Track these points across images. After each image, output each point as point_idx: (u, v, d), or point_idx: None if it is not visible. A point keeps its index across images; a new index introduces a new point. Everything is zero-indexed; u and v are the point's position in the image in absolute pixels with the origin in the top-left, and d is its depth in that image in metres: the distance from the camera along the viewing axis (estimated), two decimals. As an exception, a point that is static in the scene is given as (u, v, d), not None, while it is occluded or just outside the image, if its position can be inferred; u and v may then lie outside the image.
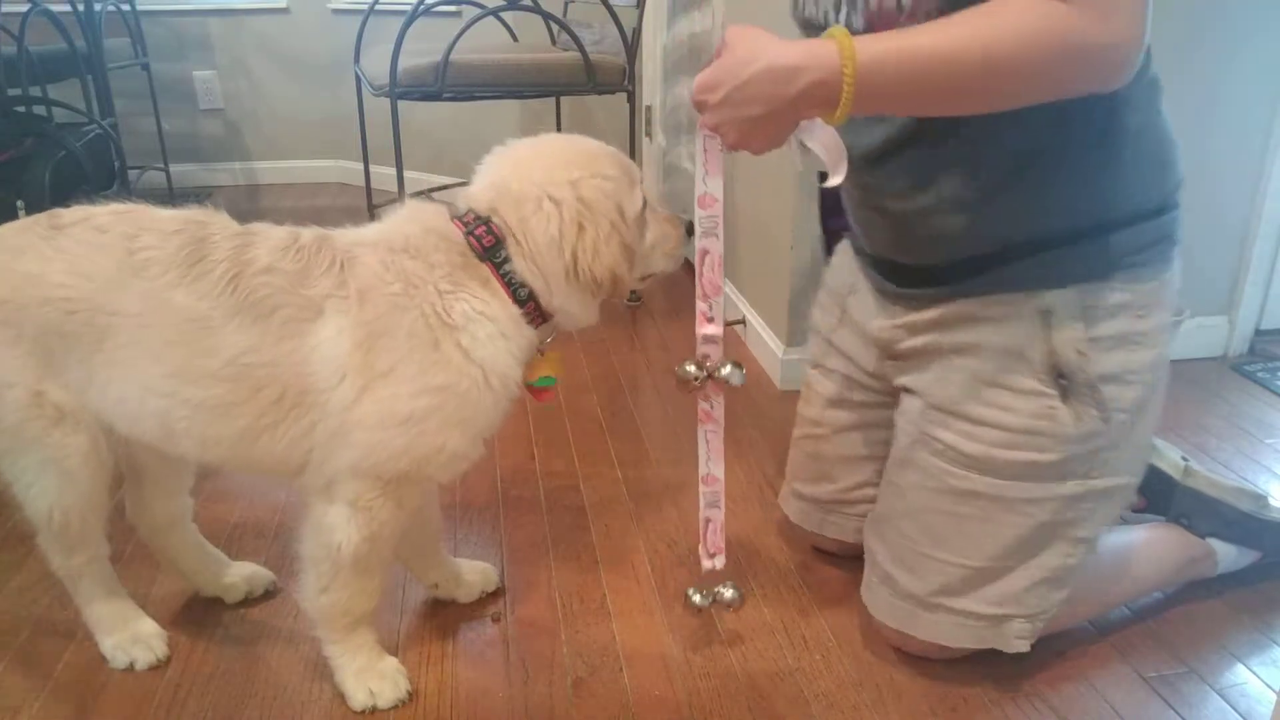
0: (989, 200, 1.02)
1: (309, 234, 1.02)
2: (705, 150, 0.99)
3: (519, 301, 1.03)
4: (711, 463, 1.13)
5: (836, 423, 1.30)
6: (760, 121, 0.92)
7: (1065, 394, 1.04)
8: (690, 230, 1.12)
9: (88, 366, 0.99)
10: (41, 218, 1.02)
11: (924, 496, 1.12)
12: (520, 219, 1.02)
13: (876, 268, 1.20)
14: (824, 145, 0.98)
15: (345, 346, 0.97)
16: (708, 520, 1.16)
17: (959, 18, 0.85)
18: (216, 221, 1.02)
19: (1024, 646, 1.12)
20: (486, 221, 1.03)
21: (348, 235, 1.04)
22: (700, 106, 0.96)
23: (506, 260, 1.02)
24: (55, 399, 1.01)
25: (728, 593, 1.19)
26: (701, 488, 1.14)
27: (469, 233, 1.02)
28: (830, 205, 1.26)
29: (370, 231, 1.05)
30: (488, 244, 1.02)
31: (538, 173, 1.03)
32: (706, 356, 1.07)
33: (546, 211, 1.02)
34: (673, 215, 1.15)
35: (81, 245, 0.99)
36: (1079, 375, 1.03)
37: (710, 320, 1.05)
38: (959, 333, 1.09)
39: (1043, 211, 1.02)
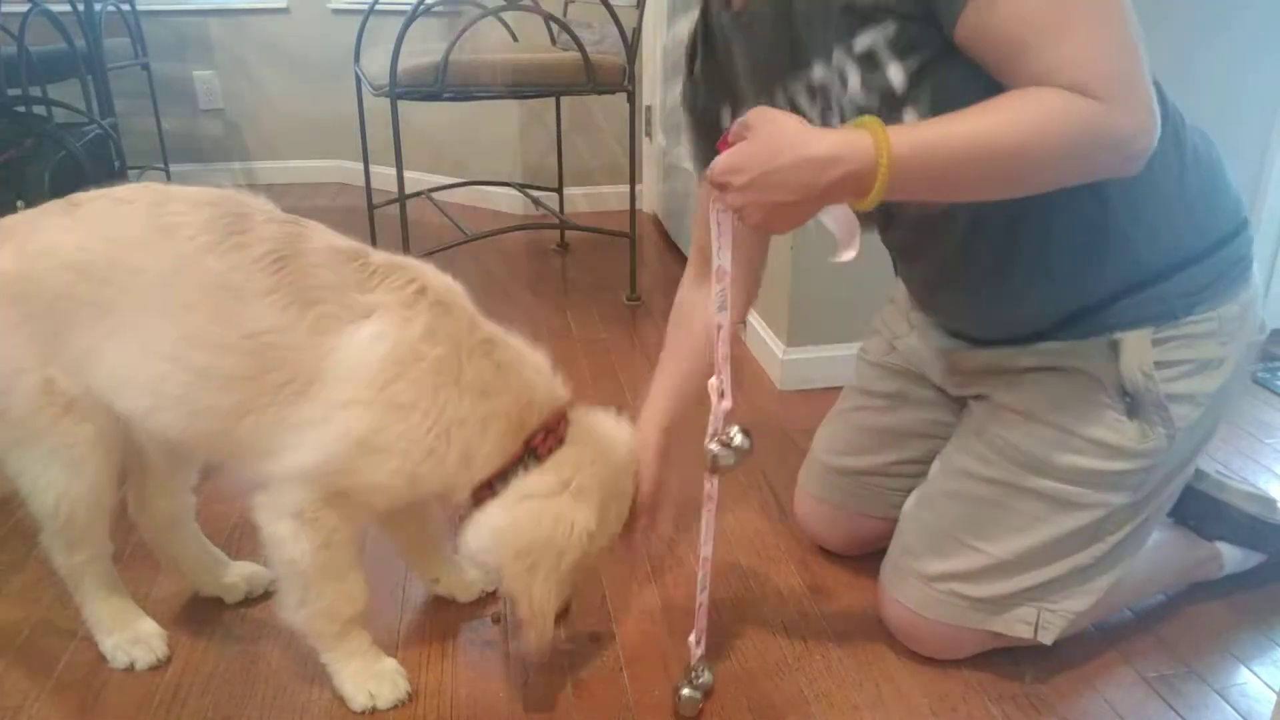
0: (1045, 279, 1.05)
1: (381, 256, 1.02)
2: (719, 225, 0.98)
3: (487, 486, 1.03)
4: (707, 544, 1.08)
5: (899, 396, 1.31)
6: (786, 207, 0.91)
7: (1131, 410, 1.05)
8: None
9: (92, 334, 0.99)
10: (59, 201, 1.03)
11: (974, 484, 1.13)
12: (543, 484, 1.03)
13: (944, 332, 1.24)
14: (837, 222, 0.96)
15: (379, 354, 0.96)
16: (701, 604, 1.11)
17: (988, 108, 0.85)
18: (255, 202, 1.03)
19: (1028, 632, 1.12)
20: (559, 434, 1.05)
21: (461, 305, 1.04)
22: (722, 188, 0.94)
23: (519, 469, 1.03)
24: (63, 385, 1.01)
25: (705, 675, 1.13)
26: (699, 572, 1.10)
27: (545, 425, 1.04)
28: None
29: (488, 327, 1.05)
30: (538, 445, 1.03)
31: (586, 478, 1.05)
32: (726, 431, 1.04)
33: (546, 513, 1.02)
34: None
35: (103, 213, 1.00)
36: (1146, 395, 1.04)
37: (722, 395, 1.03)
38: (1029, 357, 1.11)
39: (1107, 270, 1.04)
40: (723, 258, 1.00)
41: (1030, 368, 1.11)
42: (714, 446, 1.03)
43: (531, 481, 1.03)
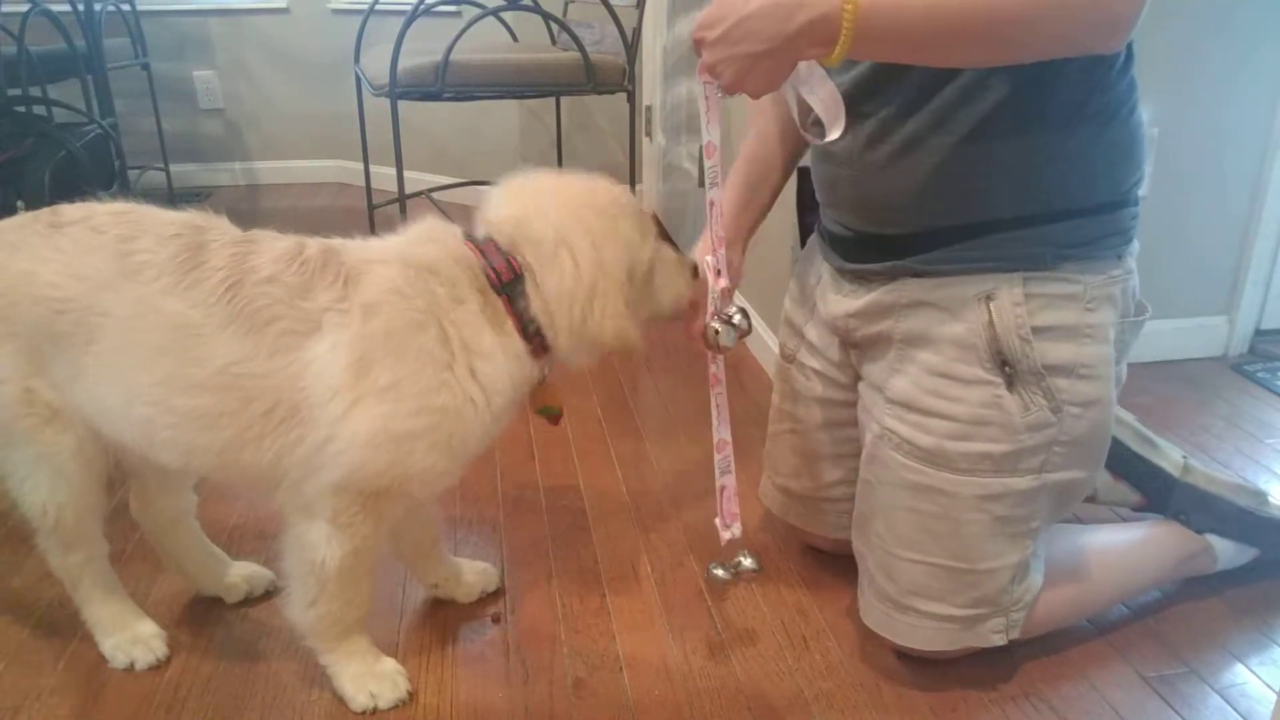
0: (947, 165, 1.02)
1: (315, 245, 1.00)
2: (706, 97, 0.99)
3: (526, 336, 1.02)
4: (721, 427, 1.12)
5: (815, 419, 1.29)
6: (758, 59, 0.91)
7: (1011, 382, 1.03)
8: (696, 273, 1.14)
9: (75, 367, 0.99)
10: (43, 214, 1.02)
11: (887, 493, 1.12)
12: (539, 263, 1.01)
13: (834, 245, 1.19)
14: (822, 99, 0.98)
15: (341, 361, 0.95)
16: (722, 487, 1.14)
17: None
18: (217, 227, 1.01)
19: (1002, 640, 1.12)
20: (507, 255, 1.02)
21: (356, 248, 1.02)
22: (699, 44, 0.95)
23: (522, 295, 1.01)
24: (46, 398, 1.01)
25: (746, 561, 1.17)
26: (715, 455, 1.13)
27: (489, 265, 1.01)
28: (808, 199, 1.26)
29: (386, 247, 1.03)
30: (506, 279, 1.01)
31: (559, 217, 1.02)
32: (728, 308, 1.07)
33: (563, 263, 1.00)
34: (681, 259, 1.13)
35: (77, 245, 0.98)
36: (1023, 363, 1.03)
37: (719, 273, 1.05)
38: (908, 320, 1.09)
39: (1000, 189, 1.02)
40: (711, 132, 1.01)
41: (910, 340, 1.08)
42: (714, 324, 1.07)
43: (544, 282, 1.01)
